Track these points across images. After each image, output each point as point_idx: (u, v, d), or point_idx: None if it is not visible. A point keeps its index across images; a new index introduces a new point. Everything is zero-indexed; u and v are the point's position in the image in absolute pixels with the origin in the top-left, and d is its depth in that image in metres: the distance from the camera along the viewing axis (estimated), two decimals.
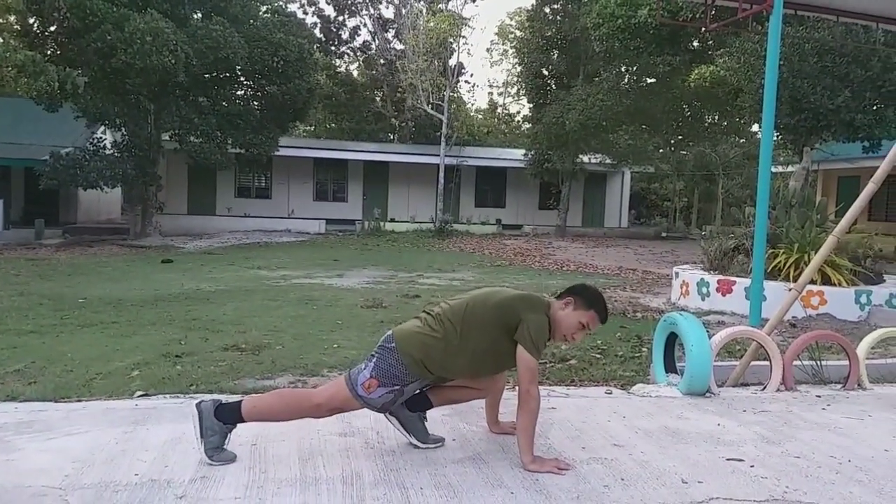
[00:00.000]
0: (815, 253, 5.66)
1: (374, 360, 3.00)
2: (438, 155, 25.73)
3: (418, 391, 3.19)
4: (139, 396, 4.11)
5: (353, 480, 2.80)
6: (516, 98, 38.20)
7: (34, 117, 20.18)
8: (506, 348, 3.01)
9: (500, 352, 3.03)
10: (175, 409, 3.70)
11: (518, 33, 29.58)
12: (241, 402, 3.03)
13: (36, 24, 19.49)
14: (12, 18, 26.61)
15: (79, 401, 3.97)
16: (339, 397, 3.00)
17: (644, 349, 5.76)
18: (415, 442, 3.19)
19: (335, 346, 5.84)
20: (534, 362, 2.95)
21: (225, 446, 2.95)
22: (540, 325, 2.99)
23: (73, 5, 16.13)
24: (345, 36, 37.69)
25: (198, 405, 2.97)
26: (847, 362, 4.75)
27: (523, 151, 26.82)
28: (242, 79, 22.00)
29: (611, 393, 4.42)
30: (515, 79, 32.24)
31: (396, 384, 2.97)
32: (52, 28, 18.52)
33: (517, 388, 3.00)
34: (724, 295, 8.32)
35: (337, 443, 3.23)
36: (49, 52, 17.86)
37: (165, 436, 3.24)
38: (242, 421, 2.98)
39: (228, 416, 2.96)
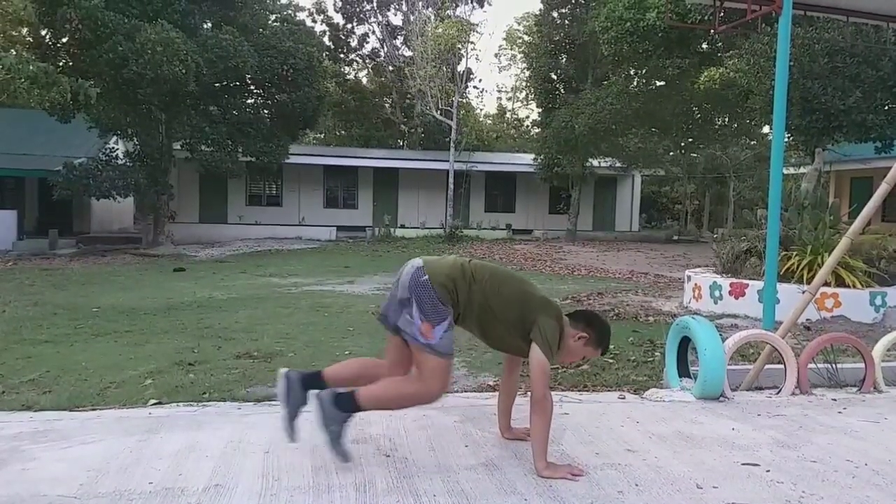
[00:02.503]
0: (829, 255, 5.63)
1: (413, 304, 2.96)
2: (448, 161, 25.76)
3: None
4: (153, 405, 4.13)
5: (366, 488, 2.80)
6: (525, 103, 38.35)
7: (47, 128, 20.39)
8: (509, 332, 3.07)
9: (505, 331, 3.07)
10: (188, 418, 3.72)
11: (526, 38, 29.68)
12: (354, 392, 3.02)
13: (48, 36, 19.69)
14: (24, 31, 26.95)
15: (93, 409, 3.99)
16: (429, 367, 2.96)
17: (657, 353, 5.72)
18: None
19: (347, 352, 5.84)
20: (547, 364, 2.97)
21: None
22: (554, 330, 3.04)
23: (85, 17, 16.30)
24: (353, 43, 37.89)
25: (318, 395, 3.00)
26: (862, 365, 4.71)
27: (533, 156, 26.80)
28: (252, 87, 22.14)
29: (624, 398, 4.40)
30: (524, 83, 32.37)
31: (445, 317, 2.96)
32: (64, 40, 18.69)
33: (530, 393, 3.00)
34: (736, 298, 8.26)
35: (350, 450, 3.23)
36: (61, 64, 18.02)
37: (179, 444, 3.25)
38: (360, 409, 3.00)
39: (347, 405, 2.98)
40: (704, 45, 19.51)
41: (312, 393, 3.07)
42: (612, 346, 5.92)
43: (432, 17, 28.19)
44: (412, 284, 2.99)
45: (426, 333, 2.93)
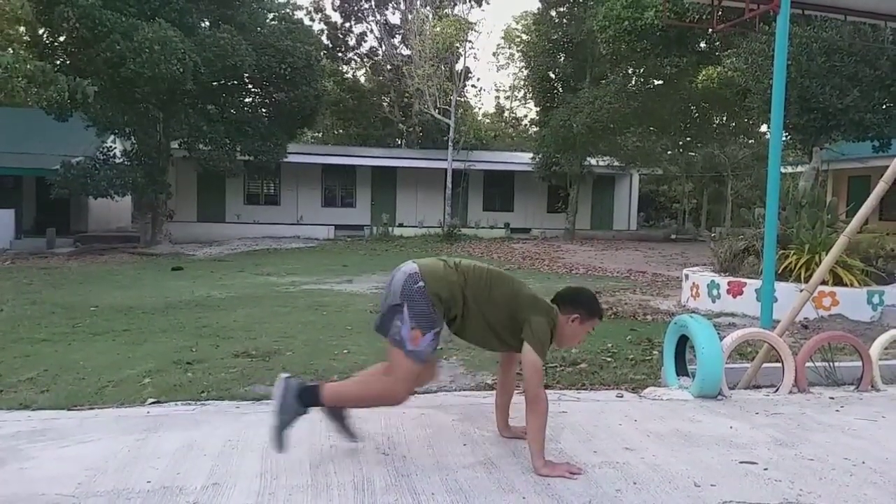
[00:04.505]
0: (827, 253, 5.63)
1: (405, 309, 2.96)
2: (446, 159, 25.75)
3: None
4: (151, 404, 4.12)
5: (365, 486, 2.80)
6: (523, 102, 38.31)
7: (45, 127, 20.35)
8: (500, 333, 3.11)
9: (496, 332, 3.11)
10: (187, 417, 3.72)
11: (524, 37, 29.65)
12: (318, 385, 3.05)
13: (45, 35, 19.66)
14: (22, 29, 26.92)
15: (91, 409, 3.99)
16: (403, 370, 2.97)
17: (655, 352, 5.73)
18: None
19: (345, 351, 5.85)
20: (540, 363, 3.00)
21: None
22: (545, 327, 3.05)
23: (83, 16, 16.26)
24: (351, 42, 37.87)
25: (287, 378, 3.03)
26: (860, 363, 4.72)
27: (531, 155, 26.81)
28: (250, 86, 22.09)
29: (622, 396, 4.41)
30: (522, 82, 32.33)
31: (434, 327, 2.98)
32: (62, 38, 18.65)
33: (525, 392, 3.01)
34: (734, 297, 8.27)
35: (348, 448, 3.23)
36: (59, 63, 17.96)
37: (177, 443, 3.25)
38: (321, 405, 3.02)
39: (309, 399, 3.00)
40: (702, 44, 19.52)
41: (283, 379, 3.03)
42: (610, 345, 5.97)
43: (430, 16, 28.18)
44: (405, 291, 2.99)
45: (414, 340, 2.94)
